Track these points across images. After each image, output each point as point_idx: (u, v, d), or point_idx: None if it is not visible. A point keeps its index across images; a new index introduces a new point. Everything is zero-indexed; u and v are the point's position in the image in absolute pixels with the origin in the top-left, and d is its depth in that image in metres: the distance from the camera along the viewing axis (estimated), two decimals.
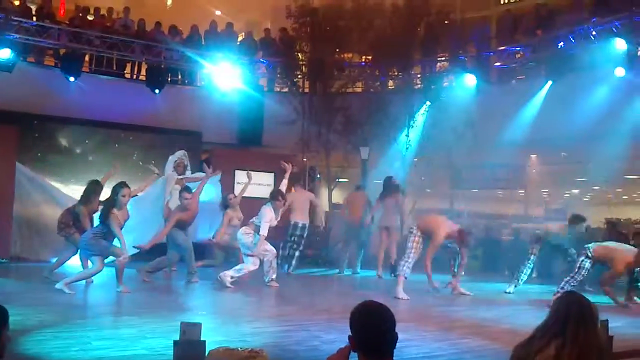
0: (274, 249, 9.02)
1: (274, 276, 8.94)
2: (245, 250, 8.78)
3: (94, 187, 8.62)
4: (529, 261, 9.22)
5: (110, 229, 7.47)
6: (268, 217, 8.64)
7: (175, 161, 10.15)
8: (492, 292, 9.36)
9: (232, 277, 8.54)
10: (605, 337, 3.99)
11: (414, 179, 14.31)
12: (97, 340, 4.76)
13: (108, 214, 7.44)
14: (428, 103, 13.89)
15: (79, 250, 8.30)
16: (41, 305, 6.40)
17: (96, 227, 7.79)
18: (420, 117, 13.94)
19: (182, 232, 8.92)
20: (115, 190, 7.64)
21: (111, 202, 7.54)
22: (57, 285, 7.29)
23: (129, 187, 7.75)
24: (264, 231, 8.55)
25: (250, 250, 8.67)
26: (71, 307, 6.60)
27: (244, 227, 8.92)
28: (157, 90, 13.39)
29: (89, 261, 8.06)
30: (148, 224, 9.44)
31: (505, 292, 9.11)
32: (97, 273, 7.69)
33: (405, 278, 8.26)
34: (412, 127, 13.82)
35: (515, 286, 9.19)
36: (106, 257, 7.72)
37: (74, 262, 8.83)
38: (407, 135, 13.79)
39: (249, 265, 8.72)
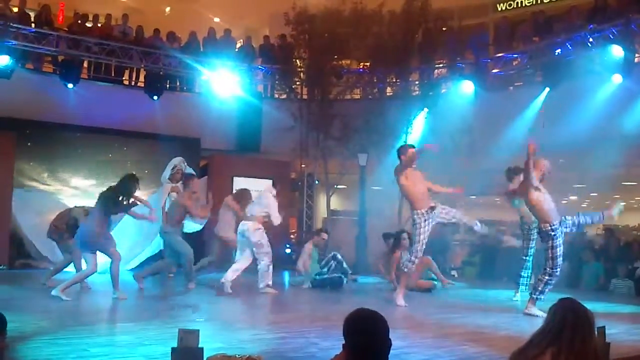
0: (271, 253, 8.84)
1: (269, 282, 8.79)
2: (255, 248, 8.68)
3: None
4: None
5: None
6: (275, 205, 8.77)
7: (173, 168, 10.05)
8: (489, 299, 9.33)
9: (230, 280, 8.50)
10: (603, 343, 3.98)
11: None
12: (94, 347, 4.75)
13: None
14: (426, 110, 13.91)
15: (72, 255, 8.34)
16: (38, 312, 6.40)
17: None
18: (418, 123, 13.96)
19: (182, 239, 8.89)
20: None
21: (114, 202, 7.64)
22: (54, 292, 7.28)
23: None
24: (276, 219, 8.69)
25: (257, 247, 8.64)
26: (68, 314, 6.59)
27: (250, 223, 8.67)
28: (155, 97, 13.36)
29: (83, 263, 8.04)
30: (144, 232, 9.42)
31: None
32: (90, 274, 7.66)
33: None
34: (410, 133, 13.82)
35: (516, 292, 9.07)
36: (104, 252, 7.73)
37: (72, 269, 8.82)
38: (405, 142, 13.78)
39: (243, 261, 8.70)
